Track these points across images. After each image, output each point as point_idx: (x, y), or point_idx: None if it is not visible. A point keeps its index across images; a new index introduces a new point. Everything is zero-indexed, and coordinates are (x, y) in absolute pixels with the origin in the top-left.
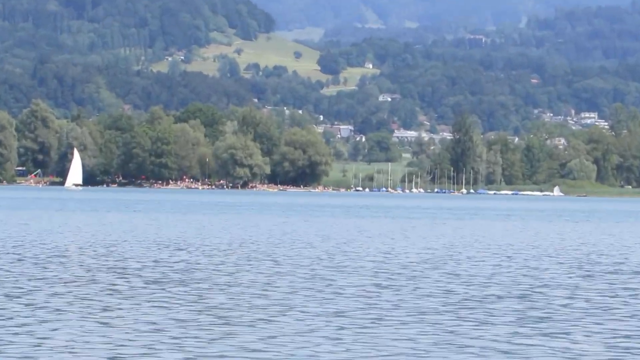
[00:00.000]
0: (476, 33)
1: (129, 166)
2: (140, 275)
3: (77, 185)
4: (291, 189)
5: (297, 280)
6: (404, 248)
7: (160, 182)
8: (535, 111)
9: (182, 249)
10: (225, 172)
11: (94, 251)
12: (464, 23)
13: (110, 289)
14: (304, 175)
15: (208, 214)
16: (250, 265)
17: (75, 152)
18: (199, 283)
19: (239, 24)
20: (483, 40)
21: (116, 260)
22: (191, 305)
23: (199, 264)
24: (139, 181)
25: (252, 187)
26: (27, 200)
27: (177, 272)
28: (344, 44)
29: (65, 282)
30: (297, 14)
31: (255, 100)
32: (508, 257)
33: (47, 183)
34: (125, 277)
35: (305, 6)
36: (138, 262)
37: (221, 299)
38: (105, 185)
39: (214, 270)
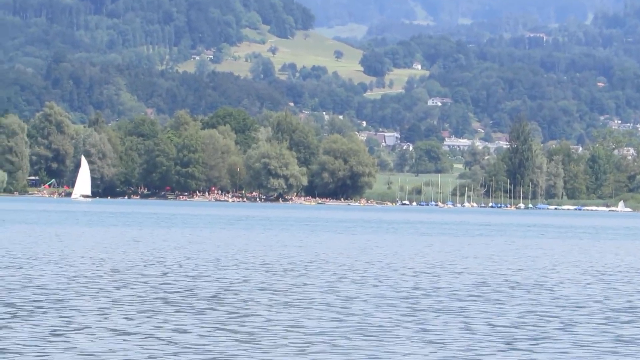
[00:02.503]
0: (537, 31)
1: (152, 176)
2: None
3: (85, 196)
4: (330, 202)
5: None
6: (501, 269)
7: (186, 193)
8: (602, 118)
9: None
10: (258, 184)
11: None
12: (523, 20)
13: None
14: (345, 187)
15: (256, 229)
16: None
17: (83, 160)
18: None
19: (273, 19)
20: (544, 39)
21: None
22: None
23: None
24: (163, 193)
25: (287, 199)
26: (23, 213)
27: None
28: (389, 43)
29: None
30: (338, 9)
31: (291, 104)
32: (601, 278)
33: (62, 194)
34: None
35: (347, 0)
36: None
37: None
38: (126, 197)
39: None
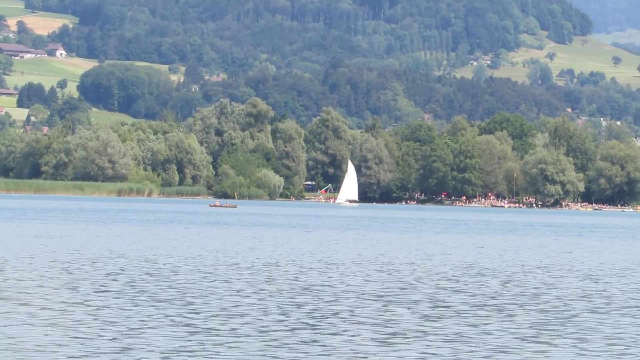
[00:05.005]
0: None
1: (429, 182)
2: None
3: (351, 201)
4: (607, 209)
5: None
6: None
7: (462, 199)
8: None
9: None
10: (534, 189)
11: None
12: None
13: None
14: (622, 193)
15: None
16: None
17: (350, 165)
18: None
19: (551, 25)
20: None
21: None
22: None
23: None
24: (439, 198)
25: (563, 205)
26: (289, 217)
27: None
28: None
29: None
30: (616, 14)
31: (569, 110)
32: None
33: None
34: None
35: (626, 6)
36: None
37: None
38: (404, 203)
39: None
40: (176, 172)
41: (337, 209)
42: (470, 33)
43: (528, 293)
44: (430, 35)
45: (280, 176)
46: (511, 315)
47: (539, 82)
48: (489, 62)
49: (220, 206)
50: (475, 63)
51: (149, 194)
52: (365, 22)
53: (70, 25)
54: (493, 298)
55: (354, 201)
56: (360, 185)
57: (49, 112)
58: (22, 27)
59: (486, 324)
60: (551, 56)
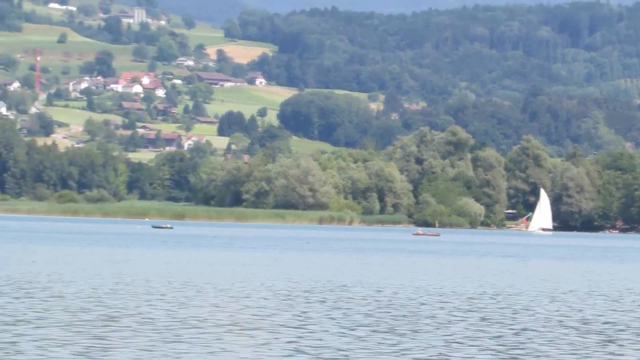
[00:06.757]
0: None
1: (631, 210)
2: None
3: (545, 229)
4: None
5: None
6: None
7: None
8: None
9: None
10: None
11: None
12: None
13: None
14: None
15: None
16: None
17: (543, 193)
18: None
19: None
20: None
21: None
22: None
23: None
24: None
25: None
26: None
27: None
28: None
29: None
30: None
31: None
32: None
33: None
34: None
35: None
36: None
37: None
38: (606, 232)
39: None
40: (377, 200)
41: (529, 239)
42: None
43: None
44: (631, 64)
45: (481, 204)
46: None
47: None
48: None
49: (424, 235)
50: None
51: (350, 223)
52: (564, 50)
53: (270, 54)
54: None
55: (548, 229)
56: (561, 213)
57: (249, 141)
58: (221, 56)
59: None
60: None
